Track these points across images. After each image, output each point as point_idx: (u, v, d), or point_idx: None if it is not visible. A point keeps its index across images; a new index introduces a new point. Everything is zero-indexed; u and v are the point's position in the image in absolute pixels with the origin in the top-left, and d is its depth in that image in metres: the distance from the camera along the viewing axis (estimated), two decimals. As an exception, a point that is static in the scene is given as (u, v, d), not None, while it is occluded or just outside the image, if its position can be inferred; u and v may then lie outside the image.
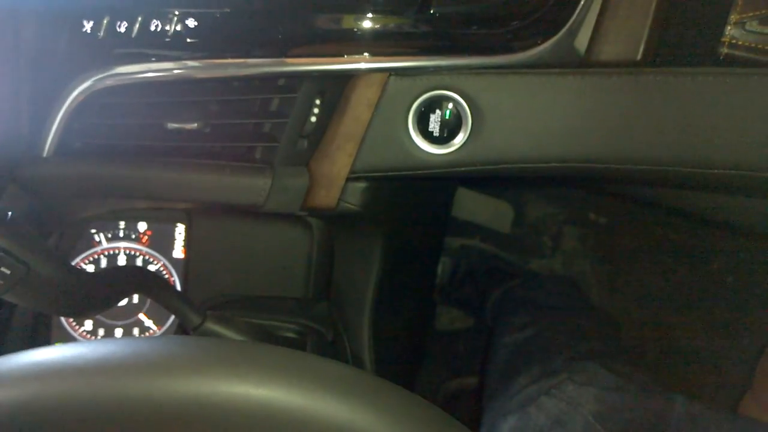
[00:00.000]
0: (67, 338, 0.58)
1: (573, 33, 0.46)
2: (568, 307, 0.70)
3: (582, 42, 0.46)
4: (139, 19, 0.45)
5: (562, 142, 0.48)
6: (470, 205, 0.85)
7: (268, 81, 0.49)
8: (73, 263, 0.56)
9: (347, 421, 0.26)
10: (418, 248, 0.72)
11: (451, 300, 0.89)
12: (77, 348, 0.27)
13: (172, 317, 0.59)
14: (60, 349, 0.27)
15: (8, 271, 0.33)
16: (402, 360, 0.73)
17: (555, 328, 0.61)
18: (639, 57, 0.46)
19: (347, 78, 0.48)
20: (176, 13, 0.45)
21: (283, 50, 0.46)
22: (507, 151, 0.49)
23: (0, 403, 0.25)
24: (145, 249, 0.58)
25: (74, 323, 0.58)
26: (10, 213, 0.34)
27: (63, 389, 0.25)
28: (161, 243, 0.58)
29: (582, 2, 0.45)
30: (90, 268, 0.57)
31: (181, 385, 0.26)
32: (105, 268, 0.56)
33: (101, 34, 0.46)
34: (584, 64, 0.47)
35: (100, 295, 0.41)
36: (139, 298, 0.59)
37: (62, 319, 0.57)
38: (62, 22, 0.46)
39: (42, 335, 0.56)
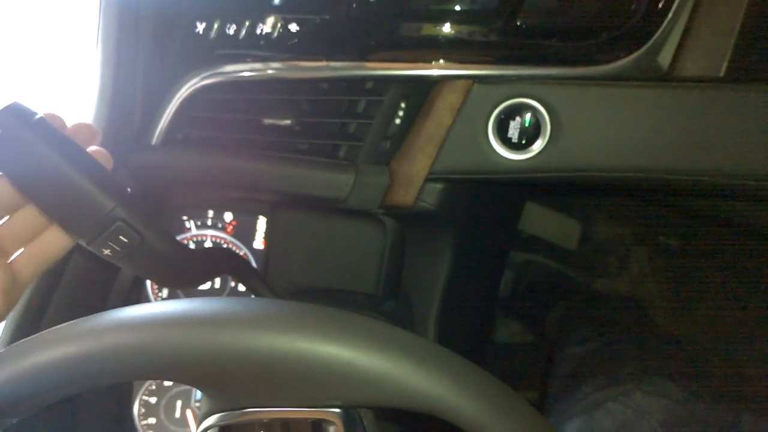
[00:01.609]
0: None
1: (657, 48, 0.47)
2: (633, 326, 0.69)
3: (665, 57, 0.47)
4: (247, 23, 0.50)
5: (640, 152, 0.49)
6: (537, 220, 0.86)
7: (356, 84, 0.52)
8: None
9: (424, 388, 0.27)
10: (485, 257, 0.73)
11: (512, 313, 0.89)
12: (193, 303, 0.30)
13: (248, 304, 0.63)
14: (178, 303, 0.30)
15: (126, 240, 0.36)
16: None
17: (621, 342, 0.61)
18: (722, 74, 0.46)
19: (432, 83, 0.51)
20: (282, 17, 0.49)
21: (371, 55, 0.50)
22: (584, 159, 0.50)
23: (125, 345, 0.28)
24: (229, 238, 0.62)
25: (161, 297, 0.62)
26: (129, 189, 0.38)
27: (179, 338, 0.28)
28: (244, 233, 0.62)
29: (668, 19, 0.46)
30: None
31: (280, 340, 0.28)
32: (204, 248, 0.61)
33: (212, 35, 0.51)
34: (666, 78, 0.47)
35: (198, 270, 0.45)
36: (221, 284, 0.63)
37: (150, 294, 0.62)
38: (178, 24, 0.51)
39: (134, 302, 0.61)
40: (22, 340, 0.29)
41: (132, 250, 0.37)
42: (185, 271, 0.43)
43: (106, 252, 0.37)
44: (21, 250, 0.39)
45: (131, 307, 0.30)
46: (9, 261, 0.38)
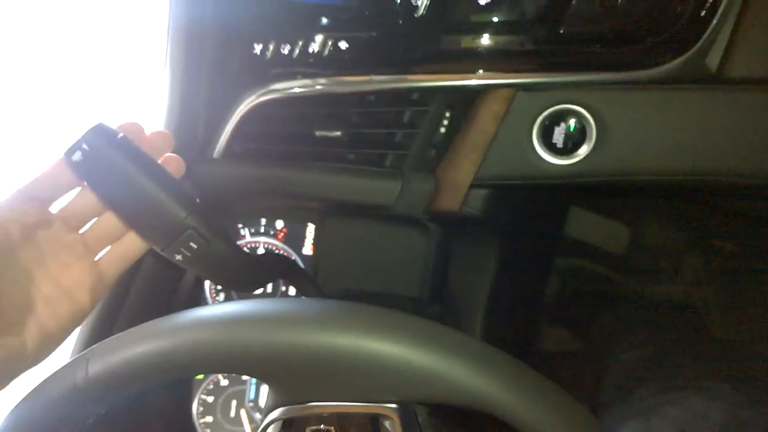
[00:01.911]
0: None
1: (704, 51, 0.46)
2: (687, 332, 0.67)
3: (713, 60, 0.46)
4: (300, 42, 0.53)
5: (690, 155, 0.48)
6: (583, 225, 0.85)
7: (402, 95, 0.54)
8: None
9: (479, 386, 0.29)
10: (531, 262, 0.74)
11: (558, 320, 0.87)
12: (261, 303, 0.33)
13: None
14: (248, 304, 0.33)
15: (196, 246, 0.40)
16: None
17: (675, 348, 0.60)
18: (773, 75, 0.46)
19: (476, 92, 0.52)
20: (332, 36, 0.51)
21: (416, 67, 0.51)
22: (631, 163, 0.50)
23: (203, 341, 0.31)
24: (280, 244, 0.66)
25: (218, 300, 0.66)
26: (197, 198, 0.41)
27: (249, 335, 0.31)
28: (294, 240, 0.65)
29: (715, 21, 0.46)
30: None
31: (342, 338, 0.30)
32: (263, 254, 0.64)
33: (268, 55, 0.54)
34: (715, 81, 0.47)
35: (258, 274, 0.48)
36: (272, 289, 0.66)
37: (208, 297, 0.66)
38: (237, 45, 0.55)
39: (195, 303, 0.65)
40: (113, 337, 0.32)
41: (200, 256, 0.40)
42: (246, 275, 0.46)
43: (178, 257, 0.40)
44: (106, 250, 0.43)
45: (207, 308, 0.33)
46: (95, 260, 0.42)
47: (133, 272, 0.57)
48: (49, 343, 0.40)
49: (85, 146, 0.37)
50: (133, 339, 0.32)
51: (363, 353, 0.30)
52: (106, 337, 0.33)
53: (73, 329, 0.41)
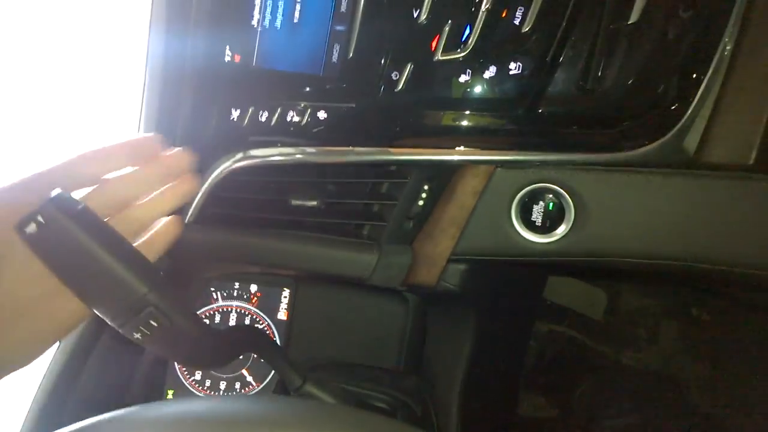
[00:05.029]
0: (179, 386, 0.63)
1: (682, 135, 0.46)
2: (669, 402, 0.66)
3: (691, 144, 0.47)
4: (279, 110, 0.52)
5: (666, 239, 0.48)
6: (562, 289, 0.84)
7: (380, 166, 0.53)
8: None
9: None
10: (509, 331, 0.72)
11: (536, 386, 0.86)
12: (206, 403, 0.31)
13: (271, 375, 0.63)
14: (185, 404, 0.30)
15: (156, 324, 0.38)
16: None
17: (660, 418, 0.59)
18: (751, 162, 0.46)
19: (455, 167, 0.52)
20: (311, 105, 0.51)
21: (395, 141, 0.51)
22: (609, 244, 0.49)
23: None
24: (253, 309, 0.63)
25: (186, 373, 0.63)
26: (161, 272, 0.40)
27: None
28: (268, 305, 0.63)
29: (693, 105, 0.46)
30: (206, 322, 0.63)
31: None
32: (230, 328, 0.62)
33: (245, 122, 0.53)
34: (693, 165, 0.47)
35: (223, 351, 0.45)
36: (244, 356, 0.64)
37: (176, 368, 0.63)
38: (214, 110, 0.54)
39: (158, 380, 0.61)
40: None
41: (161, 335, 0.38)
42: (211, 353, 0.44)
43: (137, 336, 0.38)
44: None
45: (143, 408, 0.30)
46: None
47: (87, 348, 0.54)
48: None
49: (40, 218, 0.35)
50: None
51: None
52: (55, 422, 0.30)
53: None
